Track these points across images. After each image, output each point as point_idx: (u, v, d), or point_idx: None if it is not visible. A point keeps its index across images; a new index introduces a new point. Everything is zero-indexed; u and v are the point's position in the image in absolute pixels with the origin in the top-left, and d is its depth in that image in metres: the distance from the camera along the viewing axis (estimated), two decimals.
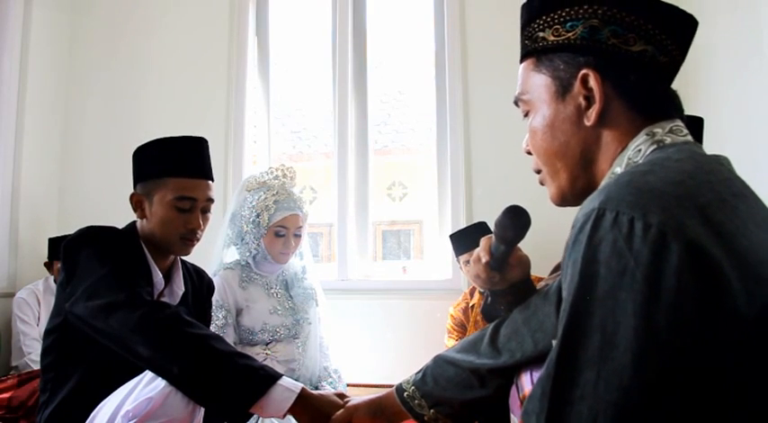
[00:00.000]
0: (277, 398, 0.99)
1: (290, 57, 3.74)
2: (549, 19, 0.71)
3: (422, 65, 3.18)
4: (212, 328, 1.65)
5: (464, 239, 2.09)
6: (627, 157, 0.66)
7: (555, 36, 0.71)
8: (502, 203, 0.89)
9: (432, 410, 0.95)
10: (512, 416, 0.88)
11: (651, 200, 0.52)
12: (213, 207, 1.36)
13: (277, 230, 1.77)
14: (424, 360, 1.02)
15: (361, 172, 2.80)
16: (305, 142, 4.41)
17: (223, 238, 1.86)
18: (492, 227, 0.92)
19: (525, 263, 0.96)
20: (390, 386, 1.03)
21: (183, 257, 1.39)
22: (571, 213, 0.64)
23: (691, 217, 0.51)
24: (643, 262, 0.49)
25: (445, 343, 2.17)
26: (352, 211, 2.75)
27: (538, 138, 0.74)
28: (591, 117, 0.68)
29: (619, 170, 0.67)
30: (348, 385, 1.96)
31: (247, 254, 1.81)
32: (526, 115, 0.77)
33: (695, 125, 1.32)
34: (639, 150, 0.66)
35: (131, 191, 1.32)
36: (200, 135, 1.37)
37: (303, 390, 1.02)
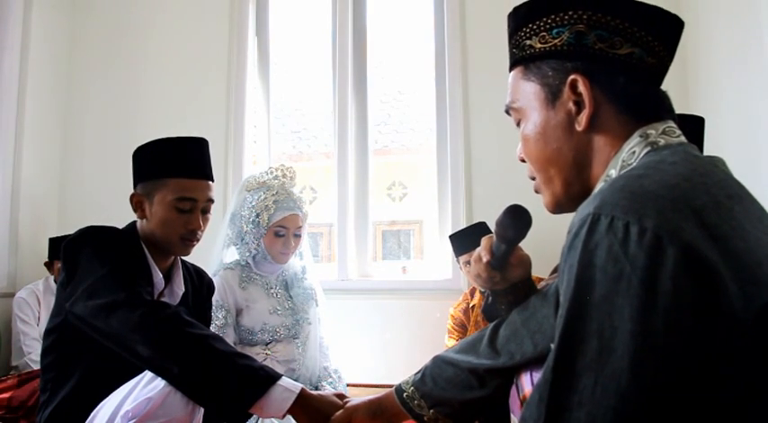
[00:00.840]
0: (276, 398, 0.99)
1: (290, 57, 3.74)
2: (535, 26, 0.71)
3: (422, 65, 3.18)
4: (212, 329, 1.65)
5: (464, 240, 2.09)
6: (621, 159, 0.66)
7: (542, 43, 0.71)
8: (502, 203, 0.89)
9: (431, 411, 0.95)
10: (512, 416, 0.88)
11: (646, 204, 0.52)
12: (213, 207, 1.35)
13: (277, 230, 1.77)
14: (423, 360, 1.02)
15: (361, 172, 2.79)
16: (305, 142, 4.41)
17: (223, 239, 1.86)
18: (492, 226, 0.92)
19: (526, 262, 0.96)
20: (390, 386, 1.03)
21: (183, 257, 1.39)
22: (571, 214, 0.64)
23: (686, 220, 0.50)
24: (639, 266, 0.49)
25: (446, 343, 2.17)
26: (352, 211, 2.75)
27: (530, 145, 0.74)
28: (582, 122, 0.68)
29: (613, 173, 0.67)
30: (348, 385, 1.96)
31: (247, 254, 1.81)
32: (518, 124, 0.77)
33: (696, 125, 1.32)
34: (633, 152, 0.65)
35: (131, 191, 1.32)
36: (200, 135, 1.37)
37: (303, 390, 1.02)
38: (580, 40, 0.68)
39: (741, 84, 1.94)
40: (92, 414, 1.00)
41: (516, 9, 0.75)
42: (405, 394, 0.98)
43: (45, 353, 1.20)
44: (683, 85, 2.29)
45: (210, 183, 1.34)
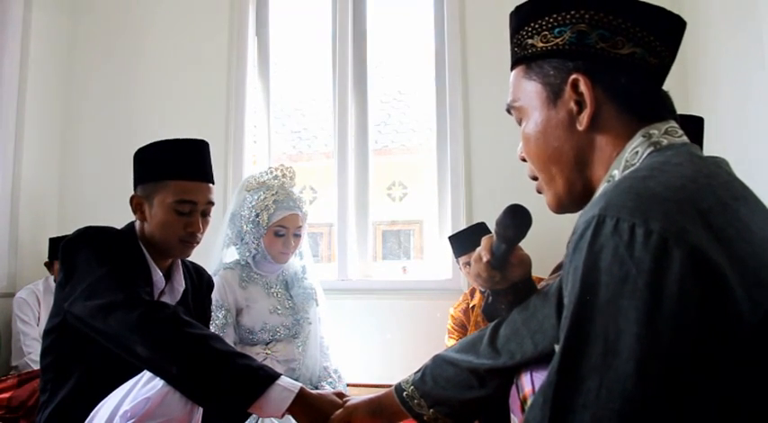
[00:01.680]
0: (275, 398, 0.98)
1: (290, 57, 3.74)
2: (537, 26, 0.71)
3: (422, 65, 3.18)
4: (212, 328, 1.66)
5: (463, 241, 2.09)
6: (624, 159, 0.66)
7: (543, 42, 0.71)
8: (502, 203, 0.89)
9: (431, 410, 0.95)
10: (512, 416, 0.88)
11: (652, 206, 0.52)
12: (213, 207, 1.35)
13: (276, 230, 1.77)
14: (423, 360, 1.02)
15: (361, 172, 2.79)
16: (305, 142, 4.41)
17: (223, 239, 1.86)
18: (492, 227, 0.92)
19: (526, 262, 0.96)
20: (390, 386, 1.02)
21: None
22: (573, 214, 0.64)
23: (692, 222, 0.50)
24: (645, 269, 0.49)
25: (446, 343, 2.17)
26: (352, 211, 2.75)
27: (531, 144, 0.74)
28: (583, 121, 0.68)
29: (617, 173, 0.66)
30: (348, 385, 1.95)
31: (247, 254, 1.81)
32: (519, 122, 0.77)
33: (695, 125, 1.32)
34: (636, 153, 0.65)
35: (131, 191, 1.32)
36: (200, 135, 1.37)
37: (302, 389, 1.02)
38: (582, 39, 0.68)
39: (741, 84, 1.93)
40: (91, 414, 1.00)
41: (518, 8, 0.75)
42: (404, 393, 0.98)
43: (44, 353, 1.20)
44: (683, 85, 2.29)
45: (211, 185, 1.33)
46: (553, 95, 0.71)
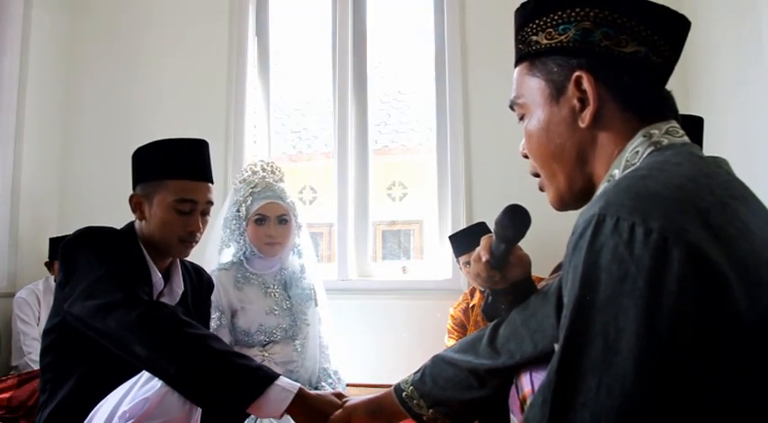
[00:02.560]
0: (274, 398, 0.98)
1: (290, 57, 3.74)
2: (541, 22, 0.71)
3: (422, 65, 3.18)
4: None
5: (464, 240, 2.09)
6: (624, 158, 0.66)
7: (548, 39, 0.71)
8: (502, 203, 0.89)
9: (430, 410, 0.95)
10: (511, 416, 0.88)
11: (651, 205, 0.52)
12: (212, 208, 1.35)
13: (256, 218, 1.75)
14: (423, 360, 1.01)
15: (361, 172, 2.79)
16: (305, 142, 4.40)
17: (218, 242, 1.85)
18: (492, 226, 0.92)
19: (526, 262, 0.96)
20: (390, 386, 1.02)
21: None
22: (572, 214, 0.64)
23: (691, 222, 0.50)
24: (644, 268, 0.49)
25: (445, 343, 2.17)
26: (352, 211, 2.74)
27: (533, 141, 0.74)
28: (585, 119, 0.68)
29: (617, 172, 0.66)
30: (348, 385, 1.95)
31: (238, 252, 1.79)
32: (521, 119, 0.77)
33: (695, 125, 1.32)
34: (637, 152, 0.65)
35: (131, 191, 1.32)
36: (200, 135, 1.37)
37: (301, 390, 1.02)
38: (586, 37, 0.68)
39: (741, 84, 1.93)
40: (90, 415, 1.00)
41: (523, 5, 0.75)
42: (404, 394, 0.98)
43: (44, 353, 1.20)
44: (683, 85, 2.28)
45: (210, 185, 1.34)
46: (556, 92, 0.71)
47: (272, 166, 1.87)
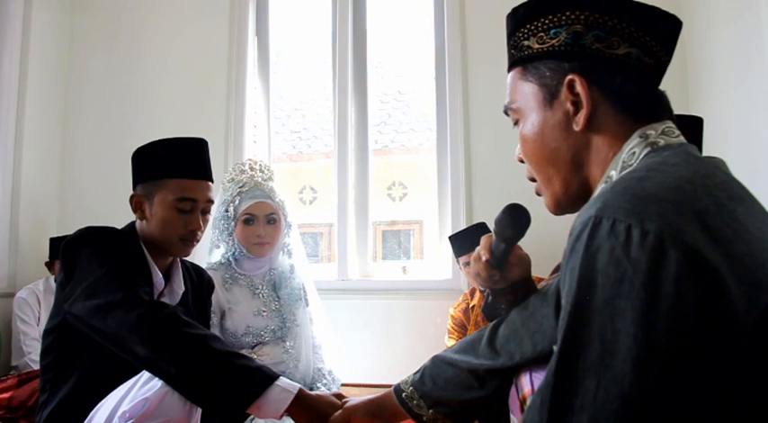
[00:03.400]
0: (274, 399, 0.98)
1: (290, 57, 3.73)
2: (533, 27, 0.72)
3: (422, 65, 3.18)
4: None
5: (464, 241, 2.09)
6: (621, 160, 0.66)
7: (539, 44, 0.71)
8: (502, 203, 0.89)
9: (430, 411, 0.95)
10: (511, 416, 0.88)
11: (648, 207, 0.52)
12: (212, 208, 1.36)
13: (245, 218, 1.73)
14: (423, 360, 1.01)
15: (361, 172, 2.79)
16: (305, 142, 4.40)
17: (208, 242, 1.84)
18: (492, 226, 0.92)
19: (525, 261, 0.96)
20: (390, 386, 1.02)
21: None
22: (572, 214, 0.64)
23: (689, 223, 0.50)
24: (641, 269, 0.49)
25: (446, 343, 2.17)
26: (352, 211, 2.75)
27: (528, 146, 0.75)
28: (579, 122, 0.68)
29: (614, 174, 0.66)
30: (348, 385, 1.94)
31: (227, 252, 1.78)
32: (516, 124, 0.77)
33: (694, 125, 1.32)
34: (634, 153, 0.65)
35: (131, 191, 1.32)
36: (200, 135, 1.38)
37: (301, 390, 1.02)
38: (577, 40, 0.68)
39: (741, 84, 1.93)
40: (89, 415, 1.00)
41: (515, 10, 0.75)
42: (404, 394, 0.98)
43: (44, 353, 1.20)
44: (683, 85, 2.28)
45: (210, 184, 1.34)
46: (549, 96, 0.71)
47: (260, 165, 1.85)
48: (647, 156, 0.64)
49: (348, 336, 2.37)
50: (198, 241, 1.32)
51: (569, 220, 0.59)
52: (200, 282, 1.46)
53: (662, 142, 0.65)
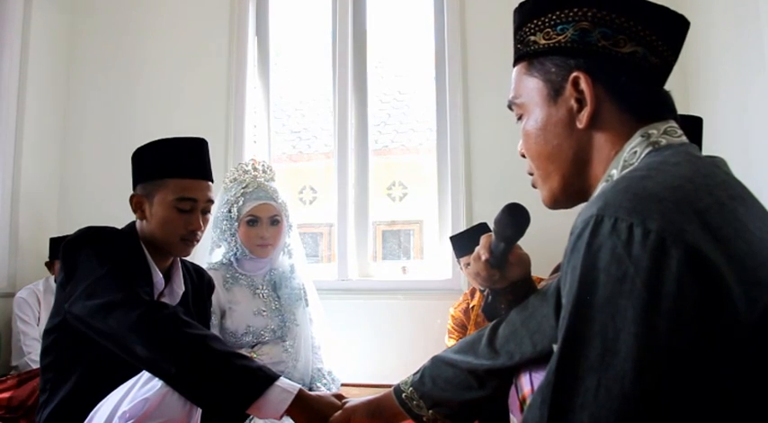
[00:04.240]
0: (274, 399, 0.98)
1: (290, 57, 3.74)
2: (540, 22, 0.71)
3: (422, 65, 3.18)
4: None
5: (465, 241, 2.09)
6: (623, 159, 0.66)
7: (546, 39, 0.71)
8: (502, 203, 0.89)
9: (430, 411, 0.95)
10: (511, 416, 0.88)
11: (650, 205, 0.52)
12: (212, 207, 1.35)
13: (248, 220, 1.73)
14: (423, 360, 1.01)
15: (361, 172, 2.79)
16: (305, 142, 4.40)
17: (209, 241, 1.84)
18: (492, 225, 0.92)
19: (525, 261, 0.96)
20: (390, 386, 1.02)
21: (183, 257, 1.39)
22: (572, 213, 0.64)
23: (690, 222, 0.50)
24: (643, 268, 0.49)
25: (446, 343, 2.17)
26: (352, 211, 2.75)
27: (531, 141, 0.74)
28: (583, 119, 0.68)
29: (615, 173, 0.66)
30: (348, 385, 1.94)
31: (229, 253, 1.78)
32: (519, 118, 0.77)
33: (694, 125, 1.32)
34: (635, 152, 0.65)
35: (131, 191, 1.32)
36: (200, 135, 1.38)
37: (301, 391, 1.02)
38: (584, 37, 0.68)
39: (741, 84, 1.93)
40: (89, 415, 1.00)
41: (522, 5, 0.75)
42: (403, 395, 0.98)
43: (44, 353, 1.20)
44: (683, 85, 2.28)
45: (210, 183, 1.34)
46: (554, 93, 0.71)
47: (263, 165, 1.85)
48: (649, 155, 0.64)
49: (348, 336, 2.37)
50: (198, 241, 1.32)
51: (569, 219, 0.59)
52: (200, 282, 1.46)
53: (663, 142, 0.65)
